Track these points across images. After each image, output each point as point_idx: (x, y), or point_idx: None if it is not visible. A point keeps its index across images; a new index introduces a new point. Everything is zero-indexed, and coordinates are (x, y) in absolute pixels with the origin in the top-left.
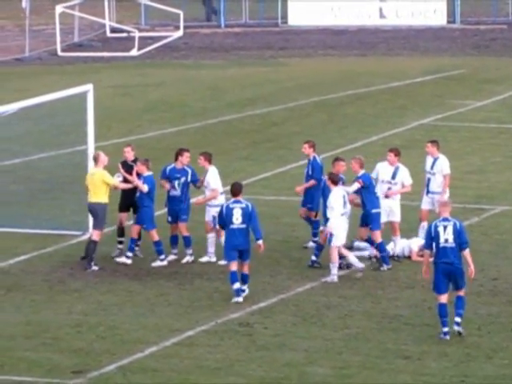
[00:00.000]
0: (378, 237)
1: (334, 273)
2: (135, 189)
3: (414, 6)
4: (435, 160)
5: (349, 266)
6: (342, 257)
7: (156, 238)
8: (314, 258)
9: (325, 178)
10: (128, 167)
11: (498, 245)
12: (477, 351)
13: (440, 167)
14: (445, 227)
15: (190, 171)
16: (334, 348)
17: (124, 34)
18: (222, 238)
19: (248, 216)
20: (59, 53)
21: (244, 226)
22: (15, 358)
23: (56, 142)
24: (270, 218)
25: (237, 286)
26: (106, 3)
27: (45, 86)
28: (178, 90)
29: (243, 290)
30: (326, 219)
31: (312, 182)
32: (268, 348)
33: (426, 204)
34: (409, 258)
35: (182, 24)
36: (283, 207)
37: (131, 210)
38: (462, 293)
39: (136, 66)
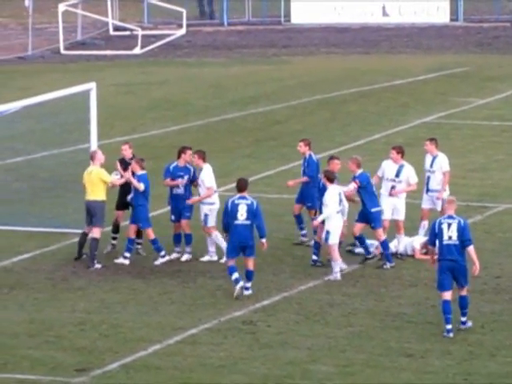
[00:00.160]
0: (380, 235)
1: (337, 270)
2: (130, 187)
3: (417, 3)
4: (434, 158)
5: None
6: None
7: (152, 236)
8: (314, 257)
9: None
10: (126, 165)
11: (501, 243)
12: (480, 349)
13: (439, 165)
14: (449, 225)
15: (192, 169)
16: (337, 346)
17: (127, 33)
18: (213, 236)
19: (253, 213)
20: (62, 51)
21: (248, 222)
22: (18, 356)
23: (59, 140)
24: (273, 216)
25: (235, 275)
26: (109, 1)
27: (48, 85)
28: (181, 88)
29: (247, 288)
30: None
31: (305, 178)
32: (271, 346)
33: (426, 203)
34: (412, 256)
35: (184, 22)
36: (286, 205)
37: (129, 209)
38: (464, 292)
39: (139, 64)
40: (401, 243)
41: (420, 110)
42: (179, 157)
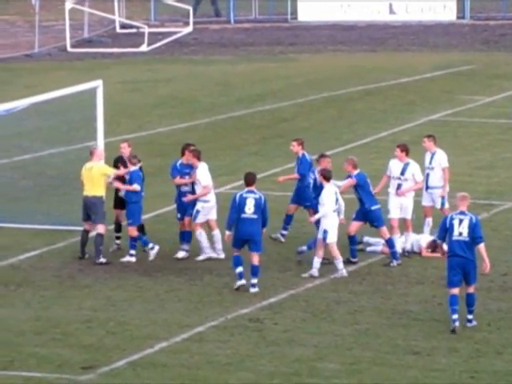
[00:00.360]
0: (385, 233)
1: (341, 267)
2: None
3: (424, 1)
4: (433, 155)
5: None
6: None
7: (134, 233)
8: (304, 247)
9: (313, 175)
10: (125, 163)
11: (507, 240)
12: (487, 347)
13: (438, 161)
14: (460, 221)
15: None
16: (344, 344)
17: (134, 30)
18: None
19: (260, 207)
20: (69, 49)
21: (255, 216)
22: (25, 353)
23: (66, 137)
24: (279, 213)
25: (239, 269)
26: None
27: (54, 82)
28: (188, 86)
29: (254, 285)
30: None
31: (295, 175)
32: (278, 344)
33: (426, 200)
34: (419, 253)
35: (191, 20)
36: None
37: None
38: (472, 289)
39: (145, 61)
40: (408, 241)
41: (426, 107)
42: (183, 154)
